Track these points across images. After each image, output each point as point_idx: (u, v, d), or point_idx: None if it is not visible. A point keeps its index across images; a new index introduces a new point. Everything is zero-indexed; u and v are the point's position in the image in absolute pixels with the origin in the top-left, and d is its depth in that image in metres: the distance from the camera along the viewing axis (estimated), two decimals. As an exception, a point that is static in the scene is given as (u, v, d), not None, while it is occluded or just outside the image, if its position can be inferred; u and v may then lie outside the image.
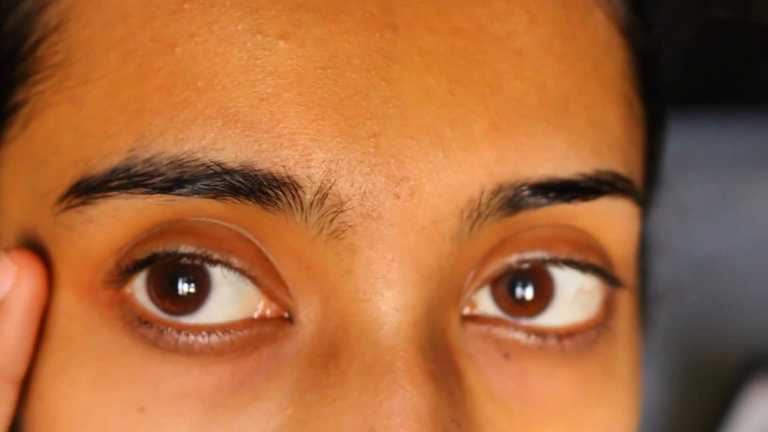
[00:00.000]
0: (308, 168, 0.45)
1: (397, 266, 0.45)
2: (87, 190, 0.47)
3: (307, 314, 0.47)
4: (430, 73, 0.45)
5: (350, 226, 0.45)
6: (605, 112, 0.49)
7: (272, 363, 0.47)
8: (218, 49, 0.46)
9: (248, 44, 0.45)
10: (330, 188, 0.45)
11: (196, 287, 0.47)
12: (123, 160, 0.46)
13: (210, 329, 0.47)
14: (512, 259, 0.49)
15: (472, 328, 0.48)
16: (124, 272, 0.47)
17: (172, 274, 0.47)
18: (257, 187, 0.45)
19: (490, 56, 0.46)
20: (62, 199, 0.47)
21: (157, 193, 0.46)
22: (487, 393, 0.48)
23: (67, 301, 0.48)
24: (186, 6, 0.46)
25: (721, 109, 0.95)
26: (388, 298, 0.45)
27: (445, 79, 0.45)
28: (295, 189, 0.45)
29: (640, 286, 0.58)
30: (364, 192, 0.45)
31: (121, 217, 0.46)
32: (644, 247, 0.59)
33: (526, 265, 0.49)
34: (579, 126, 0.48)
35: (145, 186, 0.46)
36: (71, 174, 0.47)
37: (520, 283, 0.49)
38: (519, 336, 0.49)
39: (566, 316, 0.50)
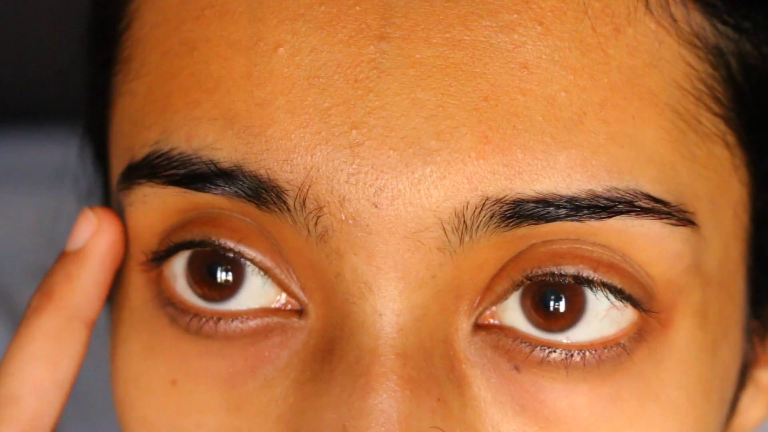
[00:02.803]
0: (290, 173, 0.46)
1: (380, 273, 0.46)
2: (128, 176, 0.51)
3: (315, 309, 0.49)
4: (420, 86, 0.46)
5: (334, 230, 0.46)
6: (638, 127, 0.47)
7: (282, 352, 0.49)
8: (226, 54, 0.48)
9: (250, 51, 0.48)
10: (307, 193, 0.46)
11: (233, 276, 0.50)
12: (149, 151, 0.50)
13: (233, 316, 0.50)
14: (521, 274, 0.48)
15: (485, 337, 0.48)
16: (162, 254, 0.51)
17: (210, 262, 0.50)
18: (248, 188, 0.47)
19: (491, 69, 0.46)
20: (119, 181, 0.52)
21: (171, 185, 0.49)
22: (497, 403, 0.48)
23: (133, 274, 0.53)
24: (206, 12, 0.49)
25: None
26: (373, 303, 0.47)
27: (436, 92, 0.46)
28: (278, 191, 0.47)
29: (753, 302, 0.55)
30: (342, 199, 0.46)
31: (150, 203, 0.50)
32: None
33: (554, 279, 0.48)
34: (595, 141, 0.47)
35: (162, 177, 0.49)
36: (125, 160, 0.52)
37: (552, 296, 0.48)
38: (536, 350, 0.48)
39: (596, 331, 0.48)
